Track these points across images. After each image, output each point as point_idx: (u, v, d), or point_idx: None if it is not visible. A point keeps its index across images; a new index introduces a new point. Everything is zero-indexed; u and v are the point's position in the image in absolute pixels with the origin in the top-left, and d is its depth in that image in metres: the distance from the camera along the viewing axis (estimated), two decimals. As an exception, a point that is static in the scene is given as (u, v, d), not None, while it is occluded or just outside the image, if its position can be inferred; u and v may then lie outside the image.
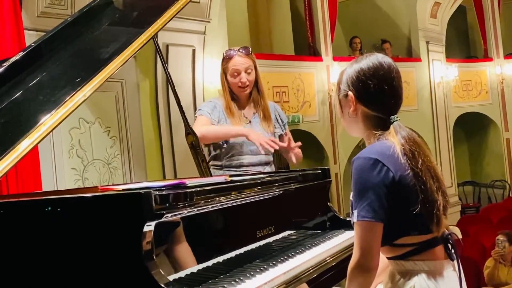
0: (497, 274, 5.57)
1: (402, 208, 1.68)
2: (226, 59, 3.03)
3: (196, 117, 3.07)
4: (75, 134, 5.09)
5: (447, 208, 1.75)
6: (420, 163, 1.70)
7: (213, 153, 3.10)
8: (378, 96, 1.77)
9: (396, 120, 1.77)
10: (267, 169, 3.07)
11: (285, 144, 2.96)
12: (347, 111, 1.83)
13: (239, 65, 2.98)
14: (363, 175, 1.68)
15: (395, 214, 1.68)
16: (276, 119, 3.15)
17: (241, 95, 3.06)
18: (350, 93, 1.80)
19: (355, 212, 1.68)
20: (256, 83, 3.06)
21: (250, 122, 3.06)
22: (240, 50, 3.02)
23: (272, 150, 2.89)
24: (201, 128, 2.93)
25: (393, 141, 1.72)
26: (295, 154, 3.00)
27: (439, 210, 1.70)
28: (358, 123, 1.82)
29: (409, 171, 1.68)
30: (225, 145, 3.01)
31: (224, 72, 3.04)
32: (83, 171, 5.14)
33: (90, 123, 5.23)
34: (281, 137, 3.12)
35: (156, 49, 2.84)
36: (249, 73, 3.00)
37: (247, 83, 3.00)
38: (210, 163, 3.09)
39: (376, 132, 1.78)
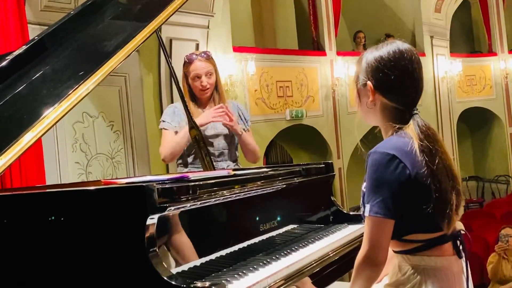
0: (501, 269, 5.55)
1: (415, 206, 1.66)
2: (187, 64, 3.13)
3: (161, 129, 3.15)
4: (79, 128, 5.11)
5: (460, 207, 1.72)
6: (437, 161, 1.66)
7: None
8: (398, 88, 1.73)
9: (415, 113, 1.74)
10: (231, 166, 3.11)
11: (232, 120, 3.04)
12: (365, 100, 1.78)
13: (199, 70, 3.09)
14: (379, 170, 1.65)
15: (407, 211, 1.66)
16: (239, 116, 3.23)
17: (202, 97, 3.16)
18: (369, 82, 1.75)
19: (368, 206, 1.66)
20: (216, 86, 3.17)
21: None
22: (201, 55, 3.13)
23: (226, 119, 3.00)
24: (165, 150, 3.06)
25: (411, 135, 1.69)
26: (232, 128, 3.06)
27: (452, 210, 1.67)
28: (376, 114, 1.78)
29: (425, 168, 1.65)
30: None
31: (185, 75, 3.14)
32: (86, 165, 5.16)
33: (94, 117, 5.24)
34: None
35: (159, 43, 2.86)
36: (209, 77, 3.11)
37: (208, 86, 3.11)
38: (178, 162, 3.18)
39: (394, 124, 1.74)
